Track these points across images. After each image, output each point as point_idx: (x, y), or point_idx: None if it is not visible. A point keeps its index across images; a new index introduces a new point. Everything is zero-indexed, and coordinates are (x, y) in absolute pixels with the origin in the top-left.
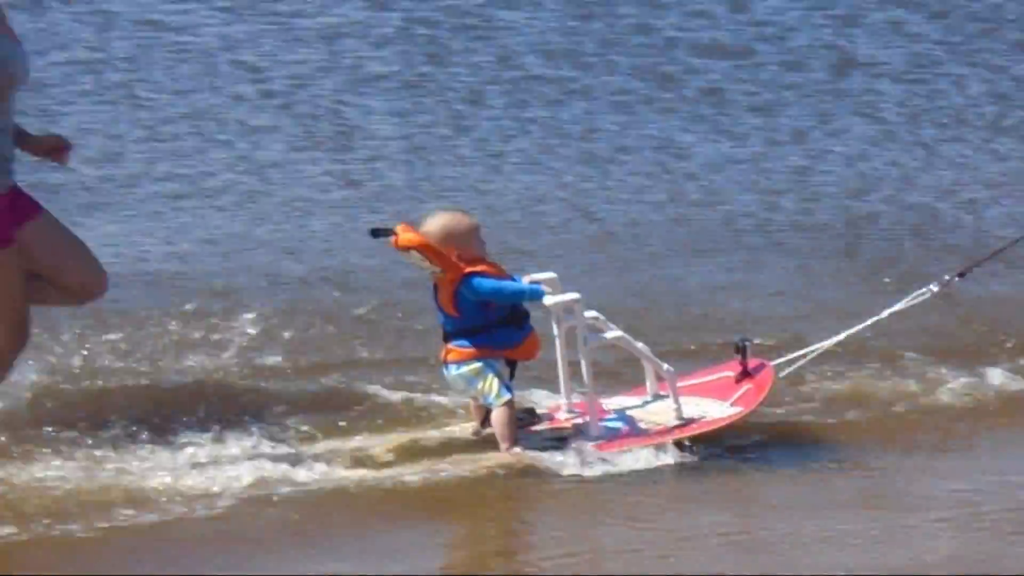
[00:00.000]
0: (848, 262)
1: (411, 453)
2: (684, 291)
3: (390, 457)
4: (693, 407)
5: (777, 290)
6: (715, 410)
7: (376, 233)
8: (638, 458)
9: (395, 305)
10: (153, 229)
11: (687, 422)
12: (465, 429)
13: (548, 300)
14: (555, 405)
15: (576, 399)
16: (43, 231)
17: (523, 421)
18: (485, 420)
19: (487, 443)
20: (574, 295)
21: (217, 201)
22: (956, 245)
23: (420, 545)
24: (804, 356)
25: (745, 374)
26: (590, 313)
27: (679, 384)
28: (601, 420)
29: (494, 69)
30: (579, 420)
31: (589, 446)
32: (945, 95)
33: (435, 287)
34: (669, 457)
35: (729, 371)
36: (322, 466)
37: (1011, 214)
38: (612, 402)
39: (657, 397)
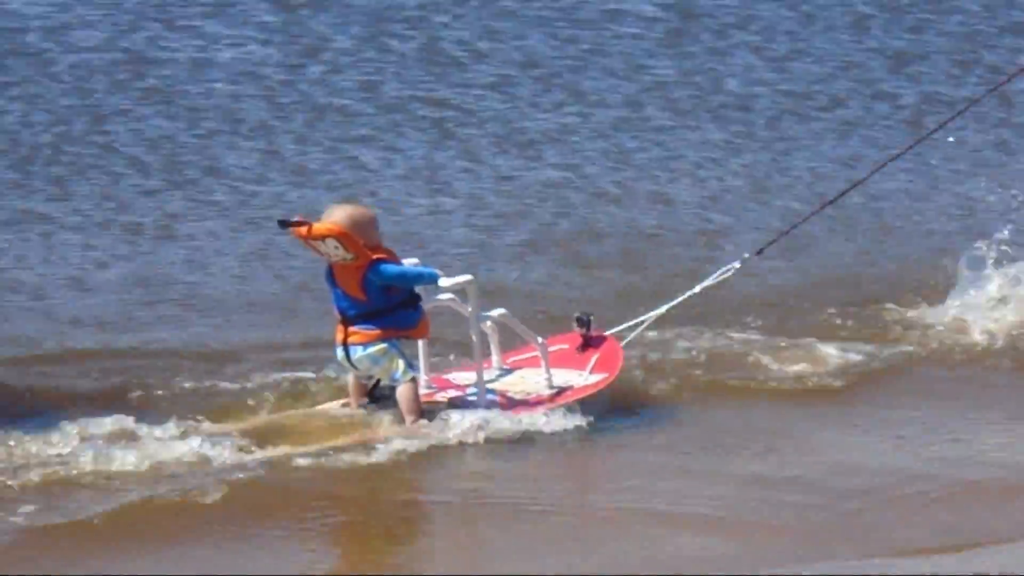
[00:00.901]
0: None
1: (307, 432)
2: None
3: (292, 435)
4: (557, 377)
5: None
6: (577, 379)
7: (283, 224)
8: (531, 423)
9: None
10: None
11: (561, 390)
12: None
13: (443, 282)
14: None
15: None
16: None
17: (391, 397)
18: (370, 395)
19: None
20: (468, 277)
21: None
22: None
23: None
24: (637, 326)
25: (587, 345)
26: (446, 296)
27: (518, 358)
28: (464, 393)
29: None
30: (447, 394)
31: (486, 415)
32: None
33: (330, 274)
34: (553, 423)
35: (563, 344)
36: (229, 451)
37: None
38: (458, 377)
39: (504, 370)
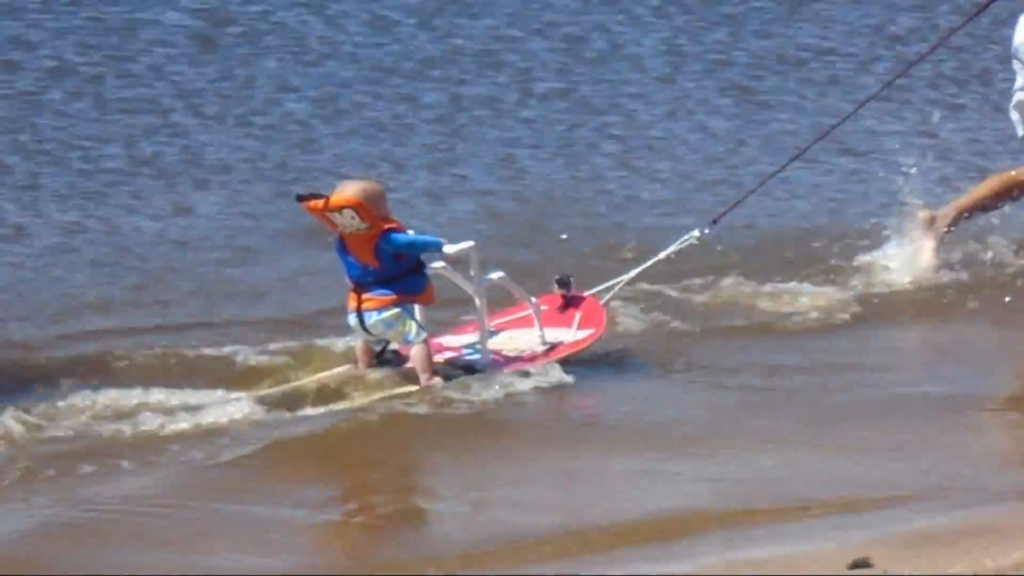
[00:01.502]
0: None
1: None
2: None
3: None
4: (546, 335)
5: None
6: (566, 335)
7: (300, 198)
8: (532, 378)
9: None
10: None
11: (553, 346)
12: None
13: (447, 248)
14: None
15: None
16: None
17: (391, 360)
18: (378, 357)
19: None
20: (470, 243)
21: None
22: None
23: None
24: (614, 286)
25: (568, 304)
26: (439, 264)
27: (503, 320)
28: (460, 354)
29: None
30: (443, 356)
31: (493, 373)
32: None
33: (342, 244)
34: (551, 378)
35: (544, 305)
36: (247, 415)
37: None
38: (451, 340)
39: (491, 332)
